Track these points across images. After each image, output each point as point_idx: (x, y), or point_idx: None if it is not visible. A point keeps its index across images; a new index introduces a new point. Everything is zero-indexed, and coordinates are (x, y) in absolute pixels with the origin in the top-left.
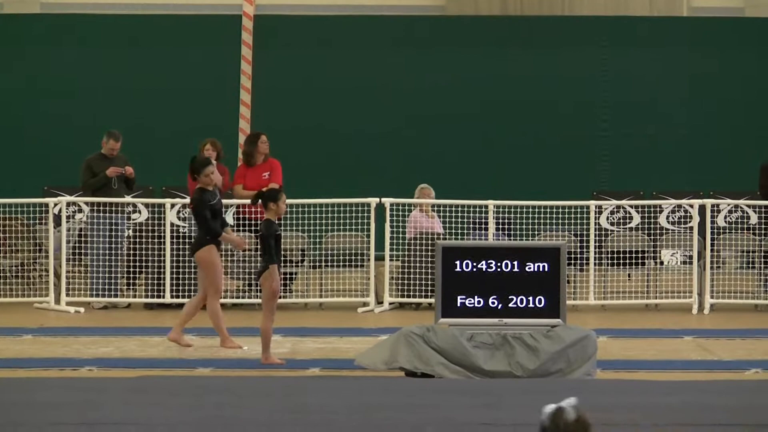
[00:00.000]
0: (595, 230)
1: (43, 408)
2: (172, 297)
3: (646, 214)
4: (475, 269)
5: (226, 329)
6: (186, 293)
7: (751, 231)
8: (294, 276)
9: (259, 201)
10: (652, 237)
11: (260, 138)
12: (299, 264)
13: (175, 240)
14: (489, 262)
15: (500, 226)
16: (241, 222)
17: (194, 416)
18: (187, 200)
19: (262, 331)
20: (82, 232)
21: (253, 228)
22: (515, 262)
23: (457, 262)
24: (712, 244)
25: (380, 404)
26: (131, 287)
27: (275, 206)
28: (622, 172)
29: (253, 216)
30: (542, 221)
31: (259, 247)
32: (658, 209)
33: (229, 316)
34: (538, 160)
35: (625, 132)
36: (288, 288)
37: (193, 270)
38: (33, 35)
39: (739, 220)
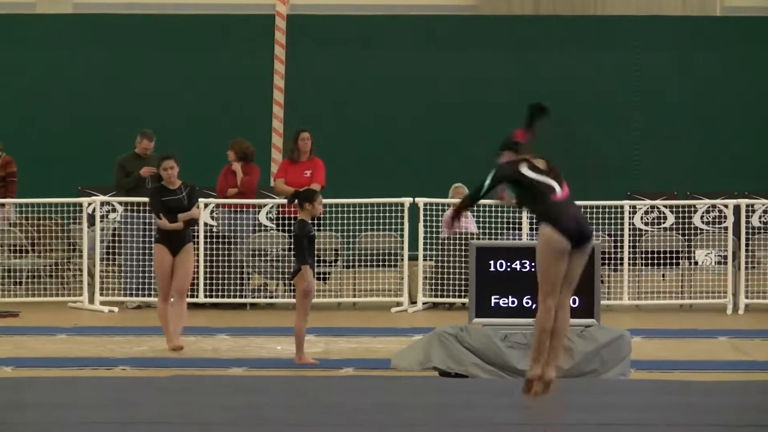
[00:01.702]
0: (629, 230)
1: (76, 407)
2: (205, 296)
3: (681, 214)
4: (509, 269)
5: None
6: (219, 293)
7: None
8: (328, 276)
9: (295, 201)
10: (686, 237)
11: (299, 135)
12: (333, 264)
13: (207, 239)
14: (523, 261)
15: (534, 226)
16: (279, 221)
17: (227, 416)
18: (220, 201)
19: (296, 330)
20: (116, 232)
21: (289, 227)
22: None
23: (491, 262)
24: (746, 244)
25: (413, 404)
26: None
27: (310, 207)
28: (656, 172)
29: (291, 214)
30: None
31: (293, 246)
32: (692, 209)
33: (263, 316)
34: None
35: (659, 132)
36: (321, 288)
37: (225, 269)
38: (64, 35)
39: None
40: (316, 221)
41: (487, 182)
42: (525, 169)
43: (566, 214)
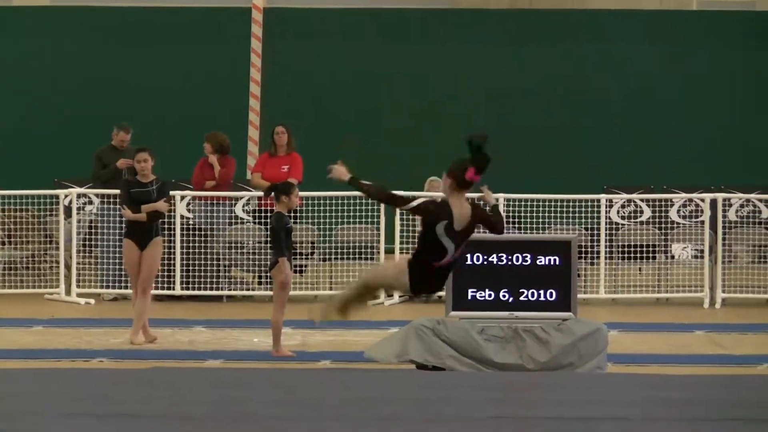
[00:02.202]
0: (606, 224)
1: (54, 399)
2: (181, 289)
3: (657, 208)
4: (486, 262)
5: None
6: (196, 285)
7: (763, 225)
8: (304, 268)
9: (272, 193)
10: (663, 231)
11: (275, 129)
12: (310, 256)
13: (184, 232)
14: (500, 255)
15: (511, 220)
16: (255, 213)
17: (205, 408)
18: (196, 193)
19: (273, 323)
20: (93, 224)
21: (265, 220)
22: (526, 256)
23: (468, 255)
24: (723, 238)
25: (391, 397)
26: None
27: (287, 200)
28: (632, 166)
29: (267, 207)
30: (553, 214)
31: (270, 239)
32: (669, 203)
33: (240, 309)
34: (549, 154)
35: (635, 125)
36: (298, 280)
37: (201, 262)
38: (41, 27)
39: (751, 215)
40: (293, 214)
41: (412, 205)
42: (440, 226)
43: (424, 284)
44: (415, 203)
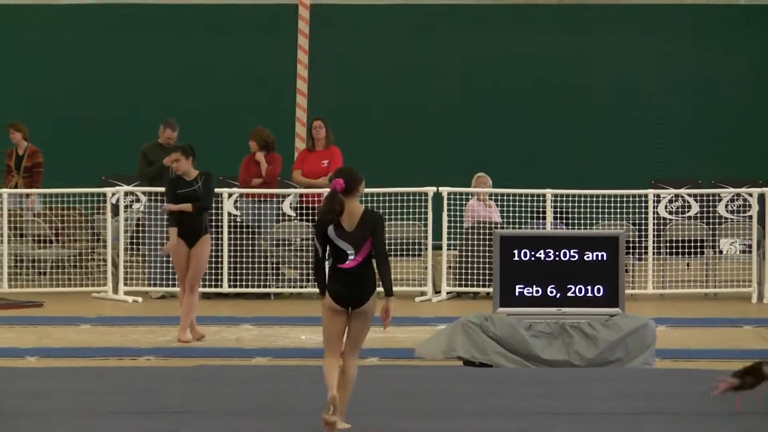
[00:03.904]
0: (654, 219)
1: (101, 397)
2: (229, 286)
3: (705, 203)
4: (533, 258)
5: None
6: (243, 282)
7: None
8: None
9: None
10: (710, 226)
11: (312, 124)
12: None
13: (231, 229)
14: (547, 251)
15: (558, 215)
16: (301, 209)
17: (252, 404)
18: (243, 191)
19: None
20: (140, 222)
21: (310, 216)
22: (573, 251)
23: (515, 251)
24: None
25: (438, 393)
26: None
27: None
28: (681, 160)
29: (314, 204)
30: (600, 210)
31: None
32: (716, 198)
33: (287, 306)
34: (596, 149)
35: (682, 120)
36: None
37: (249, 259)
38: (89, 25)
39: None
40: None
41: (317, 244)
42: (330, 230)
43: (336, 284)
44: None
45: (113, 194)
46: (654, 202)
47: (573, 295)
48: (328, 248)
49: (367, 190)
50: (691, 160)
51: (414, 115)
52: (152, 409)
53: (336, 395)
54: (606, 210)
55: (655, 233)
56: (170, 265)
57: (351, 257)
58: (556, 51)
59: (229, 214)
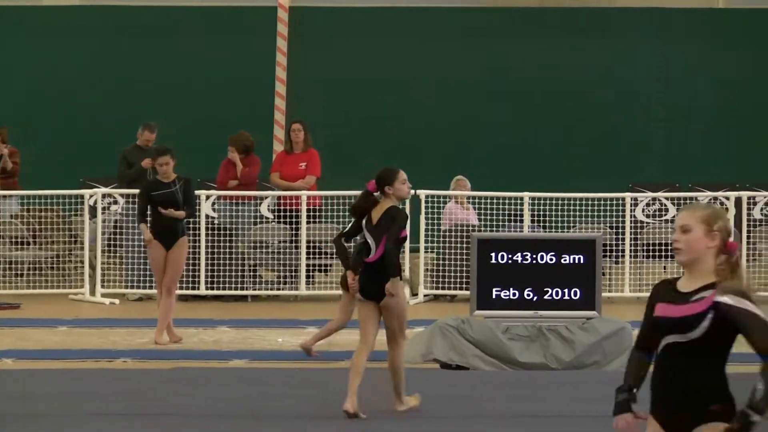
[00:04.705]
0: (631, 222)
1: (79, 399)
2: (206, 289)
3: (682, 206)
4: (510, 261)
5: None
6: (221, 285)
7: None
8: (329, 268)
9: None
10: None
11: (291, 126)
12: (334, 256)
13: (209, 231)
14: (524, 254)
15: (535, 218)
16: (279, 212)
17: (229, 407)
18: (221, 193)
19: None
20: (118, 224)
21: (291, 218)
22: (551, 255)
23: (493, 254)
24: (748, 237)
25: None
26: None
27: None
28: (658, 163)
29: (291, 206)
30: (578, 213)
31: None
32: (694, 201)
33: (265, 308)
34: (574, 152)
35: (661, 123)
36: (323, 280)
37: (226, 261)
38: (68, 27)
39: None
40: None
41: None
42: (363, 223)
43: (363, 277)
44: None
45: (91, 196)
46: (631, 206)
47: (550, 298)
48: (360, 238)
49: (345, 192)
50: (669, 164)
51: (394, 117)
52: (133, 411)
53: (349, 408)
54: (583, 213)
55: (633, 236)
56: (148, 267)
57: (373, 251)
58: (534, 55)
59: (207, 216)
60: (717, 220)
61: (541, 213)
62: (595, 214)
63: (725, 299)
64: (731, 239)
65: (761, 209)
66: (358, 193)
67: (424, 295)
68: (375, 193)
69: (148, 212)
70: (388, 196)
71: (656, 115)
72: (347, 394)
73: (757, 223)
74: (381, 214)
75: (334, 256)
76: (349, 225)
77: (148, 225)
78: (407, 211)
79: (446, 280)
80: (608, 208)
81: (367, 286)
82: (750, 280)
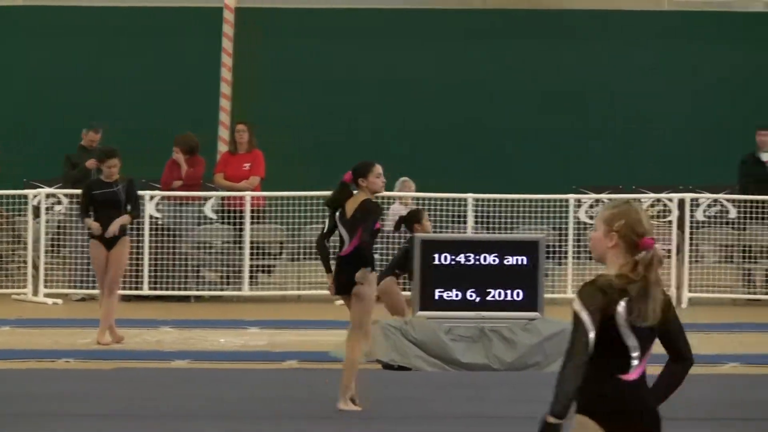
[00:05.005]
0: (574, 224)
1: (20, 399)
2: (149, 289)
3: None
4: (453, 262)
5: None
6: (164, 285)
7: (731, 225)
8: (272, 269)
9: (403, 225)
10: None
11: (236, 127)
12: (278, 256)
13: (153, 232)
14: (468, 255)
15: (480, 220)
16: (223, 212)
17: (171, 407)
18: (165, 193)
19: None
20: (61, 224)
21: (235, 219)
22: (494, 256)
23: (436, 255)
24: (690, 238)
25: (362, 396)
26: None
27: (420, 227)
28: (603, 166)
29: (235, 207)
30: (521, 214)
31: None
32: (637, 203)
33: (207, 309)
34: (519, 153)
35: (607, 125)
36: (266, 281)
37: (170, 262)
38: (9, 27)
39: (718, 215)
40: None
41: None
42: (337, 216)
43: (336, 272)
44: None
45: (34, 196)
46: (575, 207)
47: (493, 299)
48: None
49: (289, 193)
50: (614, 166)
51: (338, 119)
52: (72, 412)
53: (340, 406)
54: (527, 214)
55: (576, 238)
56: (91, 267)
57: (346, 244)
58: (476, 56)
59: (151, 217)
60: (617, 221)
61: (485, 214)
62: (539, 215)
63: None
64: (646, 238)
65: (704, 211)
66: (300, 193)
67: None
68: (350, 185)
69: (90, 211)
70: (362, 189)
71: (601, 117)
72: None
73: (700, 224)
74: (355, 207)
75: (277, 256)
76: (326, 223)
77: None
78: None
79: None
80: (552, 209)
81: (341, 280)
82: (661, 278)
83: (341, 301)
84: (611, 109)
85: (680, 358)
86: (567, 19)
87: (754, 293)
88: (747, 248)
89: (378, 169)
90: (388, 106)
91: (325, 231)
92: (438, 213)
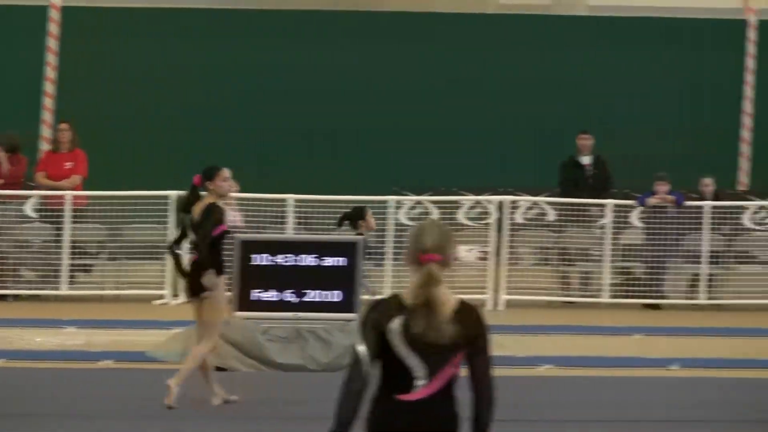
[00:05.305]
0: (394, 225)
1: None
2: None
3: (445, 210)
4: (271, 263)
5: None
6: None
7: (549, 228)
8: (91, 268)
9: (345, 222)
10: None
11: (58, 126)
12: (96, 256)
13: None
14: (286, 256)
15: (300, 221)
16: (43, 211)
17: None
18: None
19: None
20: None
21: (55, 217)
22: (312, 257)
23: (254, 256)
24: (509, 241)
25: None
26: None
27: (364, 224)
28: (423, 167)
29: (55, 206)
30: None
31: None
32: (456, 205)
33: (27, 308)
34: (340, 155)
35: (427, 126)
36: (84, 280)
37: None
38: None
39: (537, 217)
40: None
41: None
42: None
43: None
44: None
45: None
46: (394, 209)
47: (311, 300)
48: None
49: (110, 193)
50: (435, 168)
51: (161, 119)
52: None
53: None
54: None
55: (395, 239)
56: None
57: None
58: (294, 57)
59: None
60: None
61: (304, 215)
62: None
63: None
64: (423, 254)
65: (522, 213)
66: (122, 193)
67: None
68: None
69: None
70: (210, 192)
71: (420, 118)
72: (212, 390)
73: (519, 227)
74: (201, 210)
75: (96, 255)
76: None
77: None
78: (170, 210)
79: None
80: (373, 211)
81: (193, 284)
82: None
83: (162, 301)
84: (432, 110)
85: (477, 396)
86: (380, 18)
87: (571, 296)
88: (564, 251)
89: (225, 172)
90: (211, 106)
91: (176, 237)
92: (258, 214)
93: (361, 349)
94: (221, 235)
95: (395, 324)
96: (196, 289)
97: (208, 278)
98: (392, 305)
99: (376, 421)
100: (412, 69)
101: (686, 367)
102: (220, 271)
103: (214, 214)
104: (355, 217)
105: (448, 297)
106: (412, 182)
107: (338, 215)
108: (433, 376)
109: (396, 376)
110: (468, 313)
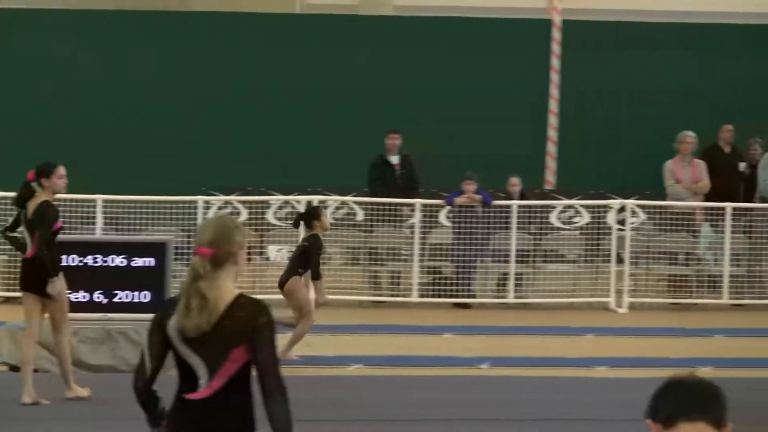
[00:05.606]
0: None
1: None
2: None
3: (255, 210)
4: (81, 264)
5: None
6: None
7: (358, 227)
8: None
9: (302, 222)
10: (259, 232)
11: None
12: None
13: None
14: (95, 257)
15: (109, 221)
16: None
17: None
18: None
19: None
20: None
21: None
22: (122, 257)
23: (63, 257)
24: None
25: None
26: None
27: (319, 224)
28: (233, 167)
29: None
30: (151, 216)
31: (305, 258)
32: (266, 205)
33: None
34: (151, 155)
35: (235, 127)
36: None
37: None
38: None
39: (346, 217)
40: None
41: None
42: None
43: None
44: None
45: None
46: (203, 209)
47: (120, 300)
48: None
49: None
50: (244, 168)
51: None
52: None
53: (27, 400)
54: (157, 216)
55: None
56: None
57: (28, 247)
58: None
59: None
60: None
61: (114, 216)
62: (169, 217)
63: None
64: (197, 247)
65: (332, 213)
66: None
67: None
68: (33, 183)
69: None
70: (44, 189)
71: (228, 119)
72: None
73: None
74: (34, 208)
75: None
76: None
77: None
78: None
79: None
80: (181, 211)
81: (28, 279)
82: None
83: None
84: (239, 110)
85: (266, 393)
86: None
87: (380, 295)
88: (374, 250)
89: (61, 170)
90: (120, 106)
91: (10, 224)
92: (67, 214)
93: (144, 348)
94: (56, 233)
95: (173, 321)
96: (28, 285)
97: (52, 287)
98: (174, 303)
99: (170, 420)
100: (220, 71)
101: (496, 365)
102: (56, 271)
103: (48, 214)
104: (309, 217)
105: (219, 291)
106: (221, 182)
107: (148, 216)
108: (214, 374)
109: (184, 375)
110: (244, 308)
